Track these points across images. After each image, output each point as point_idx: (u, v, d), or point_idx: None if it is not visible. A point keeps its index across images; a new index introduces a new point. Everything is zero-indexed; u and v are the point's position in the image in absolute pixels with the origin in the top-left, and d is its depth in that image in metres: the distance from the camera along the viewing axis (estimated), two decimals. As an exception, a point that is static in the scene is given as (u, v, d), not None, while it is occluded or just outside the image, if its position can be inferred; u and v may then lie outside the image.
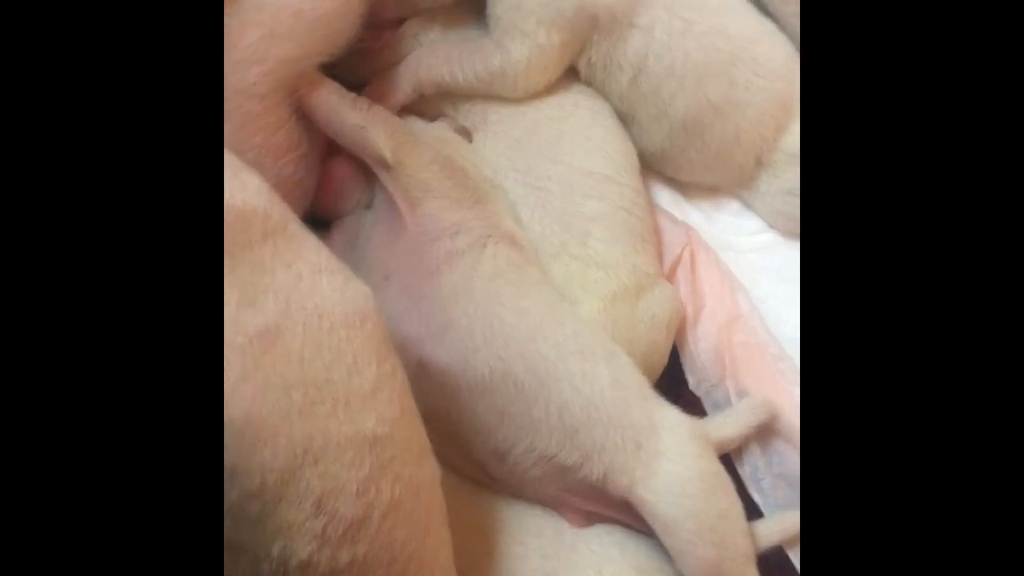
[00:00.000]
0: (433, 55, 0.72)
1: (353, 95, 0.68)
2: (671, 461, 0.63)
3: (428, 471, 0.53)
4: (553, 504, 0.66)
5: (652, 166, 0.79)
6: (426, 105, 0.75)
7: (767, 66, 0.73)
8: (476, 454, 0.65)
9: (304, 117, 0.67)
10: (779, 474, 0.71)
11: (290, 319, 0.47)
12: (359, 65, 0.73)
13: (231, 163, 0.49)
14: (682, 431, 0.65)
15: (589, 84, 0.75)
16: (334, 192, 0.71)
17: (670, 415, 0.66)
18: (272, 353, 0.46)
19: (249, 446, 0.46)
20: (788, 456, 0.71)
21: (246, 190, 0.48)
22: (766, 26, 0.75)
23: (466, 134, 0.73)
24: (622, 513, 0.65)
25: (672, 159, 0.77)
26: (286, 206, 0.50)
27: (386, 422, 0.49)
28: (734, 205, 0.81)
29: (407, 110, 0.75)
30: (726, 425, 0.70)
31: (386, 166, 0.67)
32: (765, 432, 0.72)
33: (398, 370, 0.52)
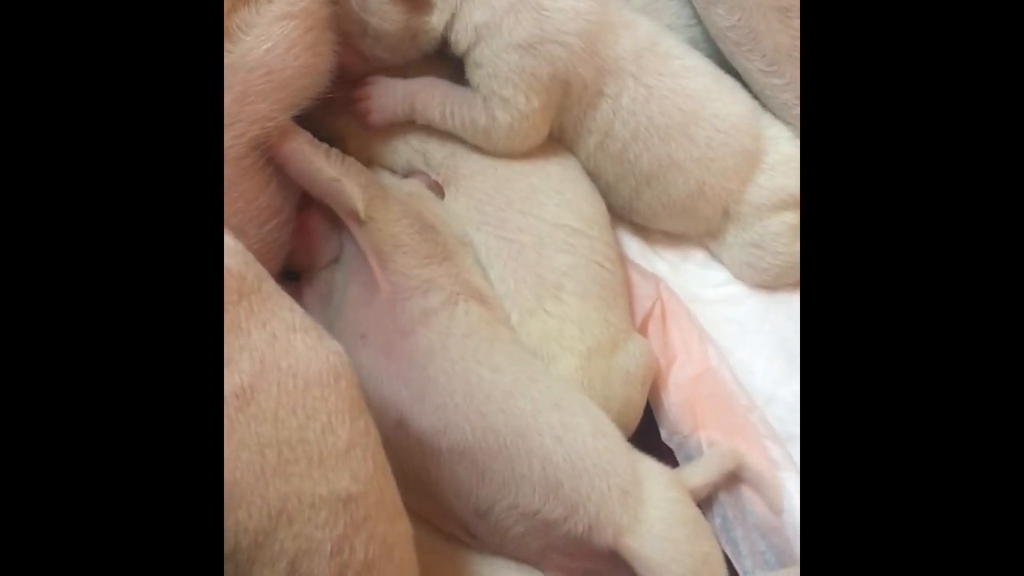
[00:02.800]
0: (431, 91, 0.73)
1: (326, 146, 0.69)
2: (655, 507, 0.64)
3: (401, 529, 0.53)
4: (535, 561, 0.66)
5: (621, 215, 0.81)
6: (398, 158, 0.76)
7: (728, 121, 0.75)
8: (457, 513, 0.65)
9: (285, 182, 0.67)
10: (753, 524, 0.72)
11: (264, 379, 0.48)
12: (327, 118, 0.73)
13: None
14: (662, 478, 0.67)
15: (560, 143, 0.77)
16: (309, 248, 0.72)
17: (648, 463, 0.67)
18: (246, 413, 0.47)
19: (224, 508, 0.46)
20: (759, 507, 0.72)
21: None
22: (726, 83, 0.77)
23: (438, 190, 0.74)
24: (604, 565, 0.65)
25: (639, 211, 0.79)
26: (260, 266, 0.51)
27: (360, 480, 0.49)
28: (700, 256, 0.82)
29: (380, 165, 0.76)
30: (696, 474, 0.71)
31: (358, 220, 0.68)
32: (734, 482, 0.73)
33: (371, 428, 0.52)
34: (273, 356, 0.48)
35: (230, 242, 0.50)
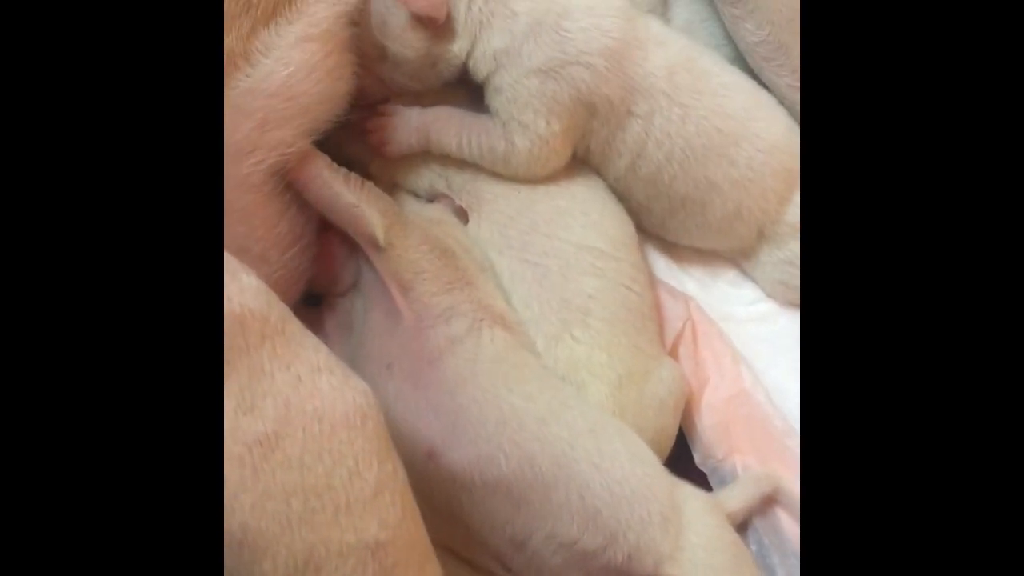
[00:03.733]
0: (447, 121, 0.71)
1: (344, 171, 0.67)
2: (696, 534, 0.62)
3: (431, 574, 0.51)
4: (573, 595, 0.64)
5: (650, 233, 0.78)
6: (420, 182, 0.74)
7: (768, 140, 0.73)
8: (492, 545, 0.63)
9: (305, 206, 0.66)
10: (791, 551, 0.69)
11: (289, 424, 0.46)
12: (347, 141, 0.71)
13: (229, 264, 0.48)
14: (700, 504, 0.65)
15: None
16: (328, 273, 0.70)
17: (686, 488, 0.66)
18: (271, 461, 0.45)
19: (248, 558, 0.44)
20: (796, 532, 0.70)
21: (244, 293, 0.47)
22: (764, 98, 0.75)
23: (463, 215, 0.72)
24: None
25: (671, 229, 0.77)
26: (283, 305, 0.49)
27: (388, 526, 0.48)
28: (731, 274, 0.80)
29: (403, 189, 0.74)
30: (731, 499, 0.69)
31: (377, 247, 0.66)
32: (770, 507, 0.71)
33: (399, 469, 0.50)
34: (298, 400, 0.47)
35: (252, 281, 0.49)
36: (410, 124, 0.71)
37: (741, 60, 0.77)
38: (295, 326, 0.49)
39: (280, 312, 0.49)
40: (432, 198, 0.74)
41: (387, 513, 0.48)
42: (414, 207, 0.73)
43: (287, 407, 0.47)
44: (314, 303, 0.72)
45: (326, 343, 0.68)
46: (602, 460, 0.62)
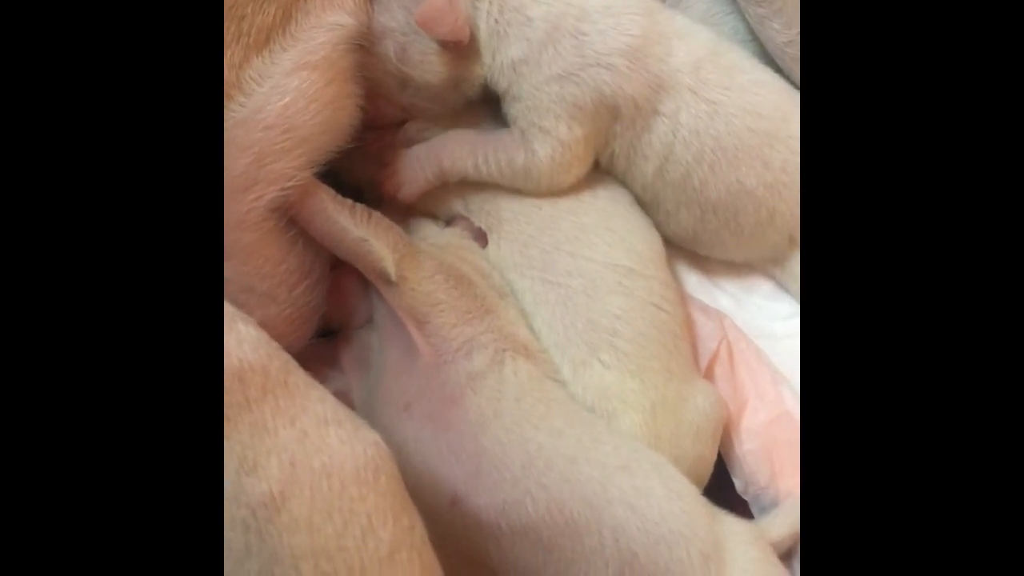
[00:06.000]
0: (458, 144, 0.68)
1: (350, 202, 0.64)
2: (739, 570, 0.59)
3: (454, 632, 0.48)
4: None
5: (681, 245, 0.75)
6: (438, 204, 0.71)
7: None
8: (523, 596, 0.60)
9: (313, 240, 0.63)
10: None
11: (296, 483, 0.44)
12: (355, 166, 0.68)
13: (226, 314, 0.45)
14: (743, 537, 0.61)
15: (609, 174, 0.71)
16: (342, 307, 0.67)
17: (727, 521, 0.62)
18: (277, 524, 0.43)
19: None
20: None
21: (242, 345, 0.45)
22: (798, 98, 0.70)
23: (482, 238, 0.69)
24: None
25: (703, 241, 0.73)
26: (285, 354, 0.47)
27: (407, 587, 0.45)
28: (766, 287, 0.76)
29: (419, 212, 0.71)
30: (775, 526, 0.65)
31: (389, 281, 0.63)
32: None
33: (417, 524, 0.47)
34: (304, 456, 0.44)
35: (251, 331, 0.46)
36: (420, 159, 0.68)
37: (767, 57, 0.73)
38: (299, 376, 0.46)
39: (282, 362, 0.46)
40: (449, 220, 0.71)
41: (405, 573, 0.45)
42: (429, 232, 0.69)
43: (292, 465, 0.44)
44: (329, 335, 0.69)
45: (343, 379, 0.66)
46: (637, 499, 0.58)
